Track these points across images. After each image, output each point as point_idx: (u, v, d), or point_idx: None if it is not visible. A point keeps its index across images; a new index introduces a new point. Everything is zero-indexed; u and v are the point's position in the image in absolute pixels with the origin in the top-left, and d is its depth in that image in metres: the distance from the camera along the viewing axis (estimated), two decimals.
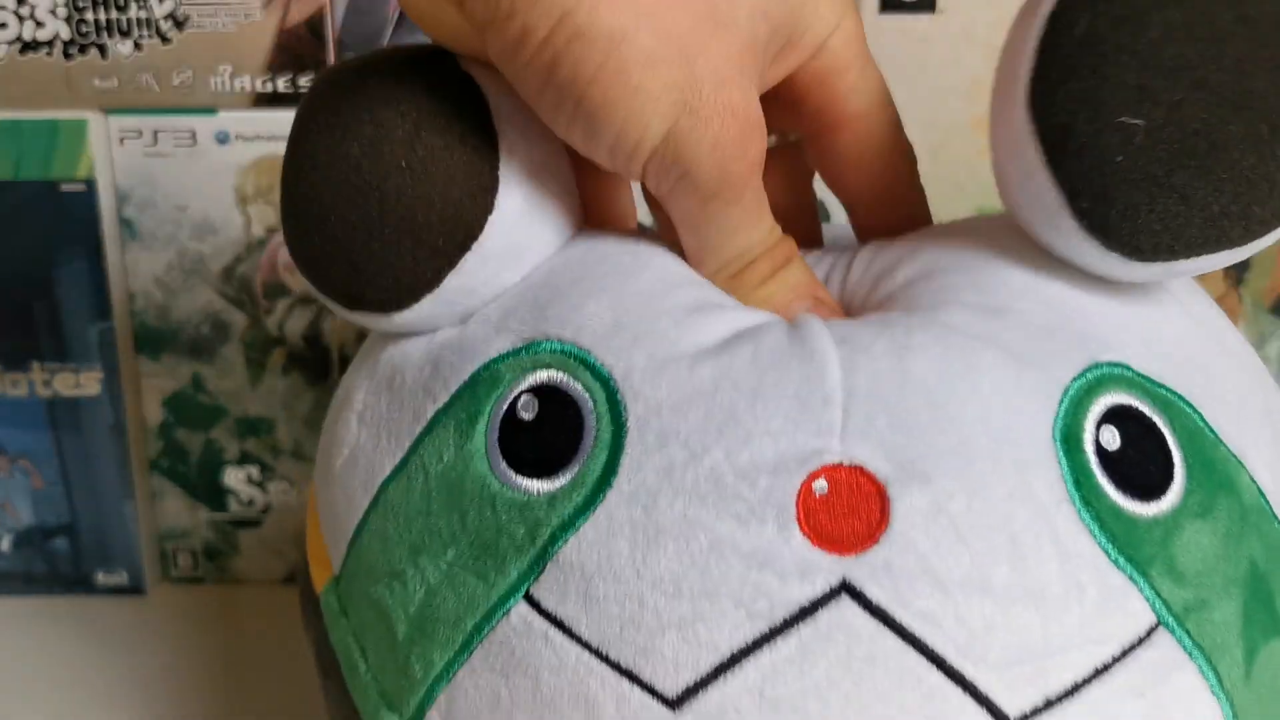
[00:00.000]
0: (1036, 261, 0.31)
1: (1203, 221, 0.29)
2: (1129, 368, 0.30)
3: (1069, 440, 0.28)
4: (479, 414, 0.30)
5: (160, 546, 0.57)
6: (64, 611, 0.55)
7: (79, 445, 0.55)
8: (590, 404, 0.29)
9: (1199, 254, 0.29)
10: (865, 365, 0.28)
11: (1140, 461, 0.29)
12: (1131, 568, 0.28)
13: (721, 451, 0.28)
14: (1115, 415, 0.29)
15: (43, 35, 0.50)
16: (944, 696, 0.27)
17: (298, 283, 0.53)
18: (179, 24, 0.50)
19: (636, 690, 0.27)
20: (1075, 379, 0.29)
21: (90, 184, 0.51)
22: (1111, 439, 0.29)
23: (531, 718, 0.29)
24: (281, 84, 0.51)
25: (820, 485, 0.27)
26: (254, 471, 0.56)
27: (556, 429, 0.29)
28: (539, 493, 0.29)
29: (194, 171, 0.52)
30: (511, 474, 0.29)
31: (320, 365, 0.54)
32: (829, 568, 0.27)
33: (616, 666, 0.27)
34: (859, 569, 0.27)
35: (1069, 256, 0.31)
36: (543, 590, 0.28)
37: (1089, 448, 0.28)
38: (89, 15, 0.50)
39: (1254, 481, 0.31)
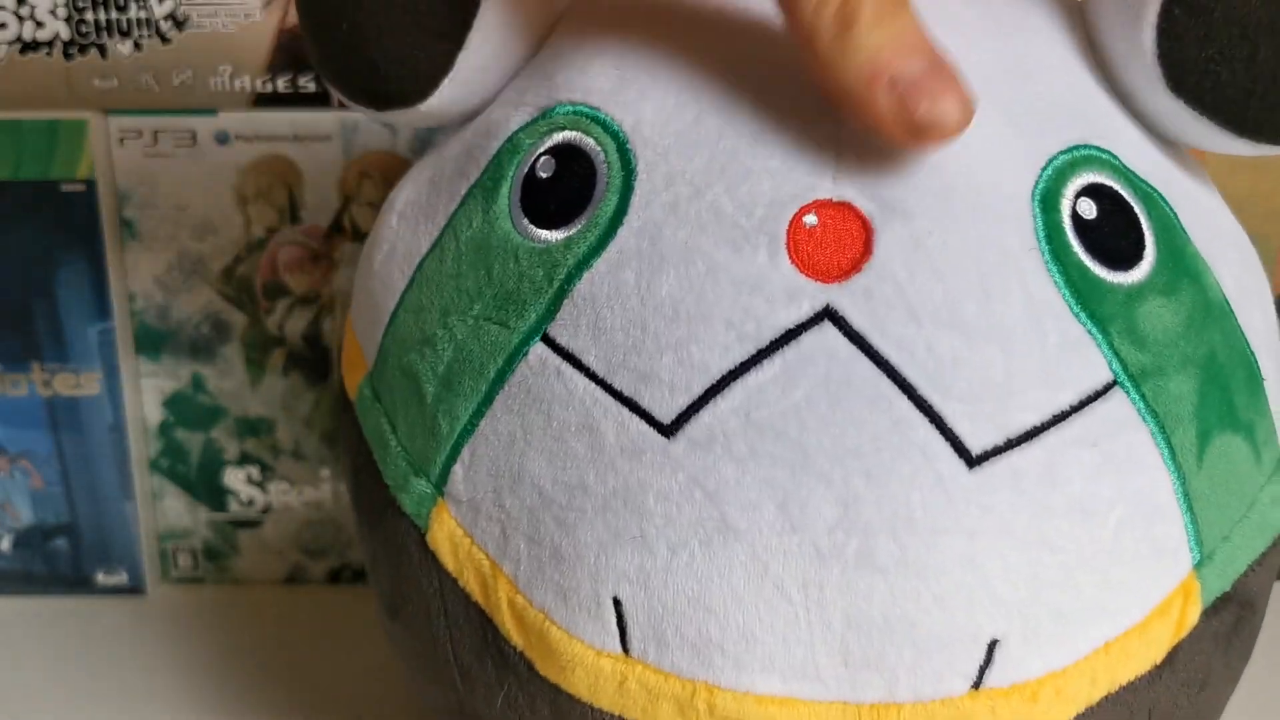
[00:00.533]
0: (1071, 43, 0.33)
1: (1240, 96, 0.31)
2: (1116, 157, 0.31)
3: (1046, 201, 0.30)
4: (502, 179, 0.32)
5: (160, 546, 0.57)
6: (64, 611, 0.55)
7: (79, 445, 0.55)
8: (602, 155, 0.31)
9: (1217, 121, 0.31)
10: None
11: (1112, 233, 0.31)
12: (1092, 323, 0.30)
13: (723, 187, 0.30)
14: (1094, 191, 0.31)
15: (43, 35, 0.50)
16: (911, 425, 0.28)
17: (298, 283, 0.53)
18: (179, 24, 0.50)
19: (635, 419, 0.29)
20: (1063, 151, 0.31)
21: (90, 184, 0.51)
22: (1088, 209, 0.30)
23: (541, 452, 0.30)
24: (281, 84, 0.51)
25: (810, 219, 0.29)
26: (254, 471, 0.56)
27: (572, 181, 0.31)
28: (557, 239, 0.31)
29: (194, 171, 0.52)
30: (532, 227, 0.31)
31: (320, 365, 0.54)
32: (814, 294, 0.29)
33: (619, 395, 0.29)
34: (841, 295, 0.29)
35: (1116, 52, 0.32)
36: (558, 328, 0.30)
37: (1065, 211, 0.30)
38: (89, 15, 0.50)
39: (1218, 285, 0.32)
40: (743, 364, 0.29)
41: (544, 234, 0.31)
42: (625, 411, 0.29)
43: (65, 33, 0.50)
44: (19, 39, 0.50)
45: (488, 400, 0.31)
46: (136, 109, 0.51)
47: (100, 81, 0.51)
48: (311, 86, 0.51)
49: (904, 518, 0.28)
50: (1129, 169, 0.32)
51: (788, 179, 0.29)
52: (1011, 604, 0.29)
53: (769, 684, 0.29)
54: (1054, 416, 0.29)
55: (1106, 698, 0.30)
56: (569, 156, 0.32)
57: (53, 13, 0.50)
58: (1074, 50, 0.33)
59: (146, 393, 0.55)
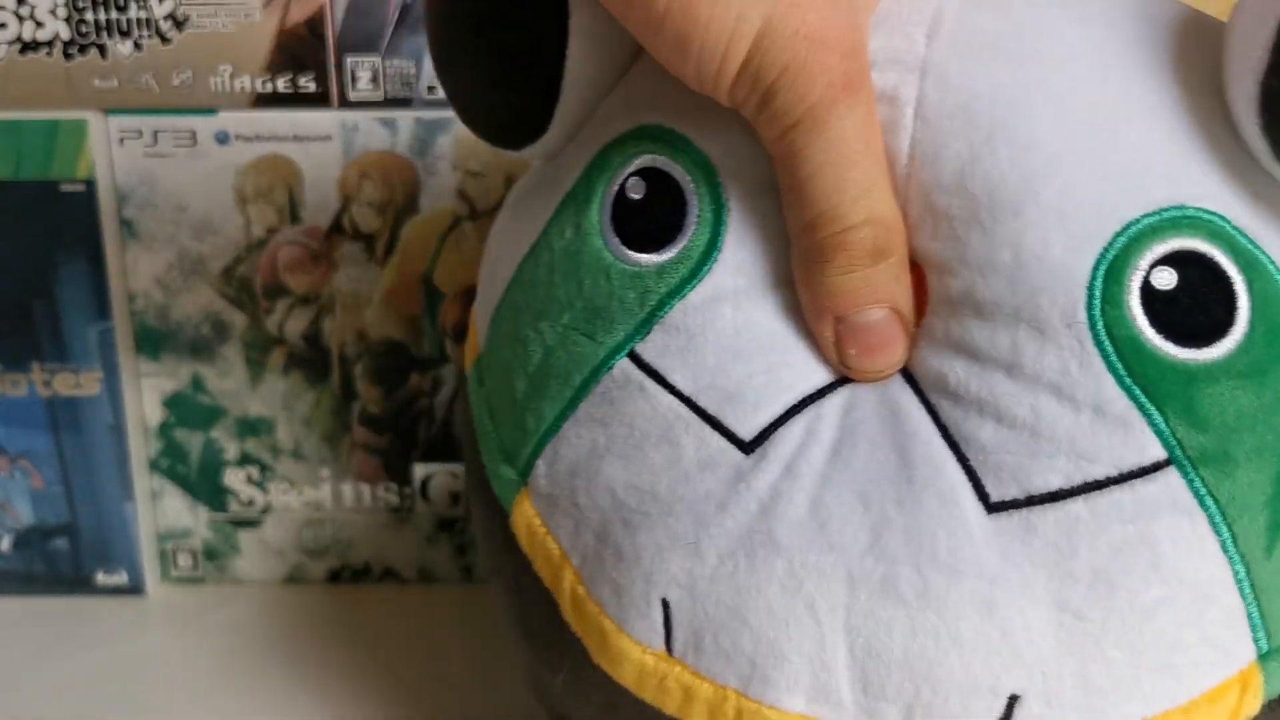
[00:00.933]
0: (1196, 79, 0.31)
1: None
2: (1224, 218, 0.30)
3: (1112, 270, 0.29)
4: (593, 195, 0.34)
5: (160, 546, 0.57)
6: (64, 611, 0.55)
7: (79, 445, 0.55)
8: (692, 185, 0.32)
9: None
10: (927, 172, 0.31)
11: (1192, 307, 0.29)
12: (1145, 398, 0.29)
13: None
14: (1180, 259, 0.29)
15: (43, 35, 0.50)
16: (941, 460, 0.30)
17: (298, 283, 0.53)
18: (179, 24, 0.50)
19: (715, 435, 0.31)
20: (1146, 215, 0.29)
21: (90, 184, 0.51)
22: (1167, 279, 0.29)
23: (621, 460, 0.32)
24: (281, 84, 0.51)
25: None
26: (254, 471, 0.56)
27: (662, 207, 0.33)
28: (648, 264, 0.32)
29: (194, 171, 0.52)
30: (624, 248, 0.33)
31: (320, 365, 0.54)
32: None
33: (702, 413, 0.31)
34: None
35: (1235, 109, 0.30)
36: (647, 347, 0.32)
37: (1133, 282, 0.29)
38: (89, 15, 0.50)
39: None
40: (820, 390, 0.31)
41: (635, 256, 0.33)
42: (707, 428, 0.31)
43: (65, 33, 0.50)
44: (19, 39, 0.50)
45: (572, 405, 0.33)
46: (136, 109, 0.51)
47: (100, 81, 0.51)
48: (311, 86, 0.51)
49: (928, 551, 0.29)
50: (1239, 230, 0.30)
51: None
52: (1032, 662, 0.29)
53: (793, 702, 0.30)
54: (1083, 485, 0.29)
55: None
56: (658, 181, 0.33)
57: (53, 13, 0.50)
58: (1197, 88, 0.31)
59: (146, 393, 0.55)
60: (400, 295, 0.53)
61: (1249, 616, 0.30)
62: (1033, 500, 0.29)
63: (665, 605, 0.31)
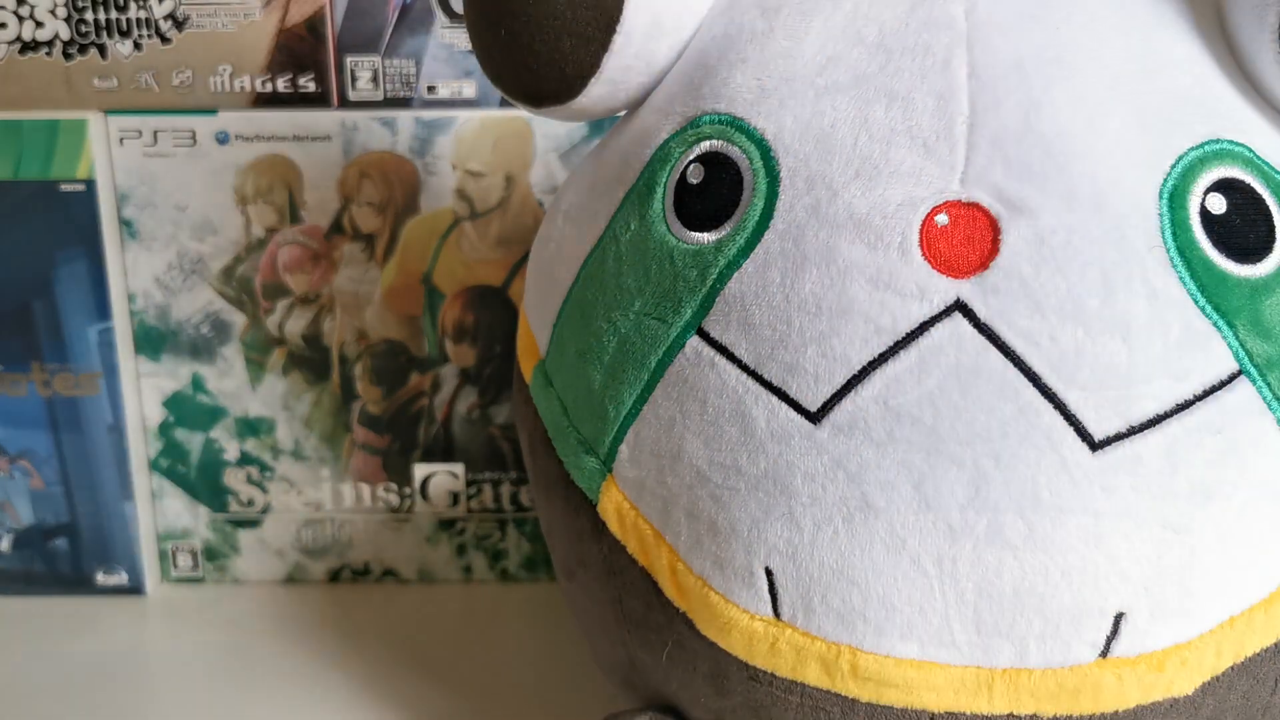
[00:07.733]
0: (1205, 35, 0.34)
1: None
2: (1251, 149, 0.33)
3: (1174, 198, 0.31)
4: (655, 185, 0.35)
5: (160, 546, 0.57)
6: (64, 611, 0.55)
7: (79, 445, 0.55)
8: (748, 162, 0.33)
9: None
10: (992, 119, 0.32)
11: (1243, 227, 0.32)
12: (1217, 315, 0.31)
13: (859, 189, 0.32)
14: (1226, 185, 0.32)
15: (43, 35, 0.50)
16: (1036, 411, 0.30)
17: (298, 283, 0.53)
18: (179, 24, 0.50)
19: (784, 406, 0.32)
20: (1193, 148, 0.32)
21: (90, 184, 0.51)
22: (1218, 204, 0.32)
23: (698, 436, 0.33)
24: (281, 84, 0.51)
25: (942, 218, 0.31)
26: (254, 471, 0.56)
27: (720, 187, 0.34)
28: (708, 241, 0.33)
29: (194, 171, 0.52)
30: (685, 230, 0.34)
31: (320, 365, 0.54)
32: (944, 289, 0.31)
33: (769, 385, 0.32)
34: (970, 290, 0.31)
35: (1246, 49, 0.33)
36: (712, 323, 0.33)
37: (1193, 207, 0.32)
38: (89, 15, 0.50)
39: None
40: (881, 355, 0.31)
41: (696, 236, 0.34)
42: (774, 400, 0.32)
43: (65, 33, 0.50)
44: (19, 39, 0.50)
45: (649, 388, 0.34)
46: (136, 109, 0.51)
47: (100, 81, 0.51)
48: (311, 86, 0.51)
49: (1031, 498, 0.30)
50: (1263, 161, 0.33)
51: (919, 181, 0.31)
52: (1137, 580, 0.31)
53: (907, 649, 0.32)
54: (1177, 405, 0.31)
55: (1233, 667, 0.32)
56: (717, 164, 0.34)
57: (53, 13, 0.50)
58: (1208, 42, 0.34)
59: (146, 393, 0.55)
60: (400, 295, 0.53)
61: None
62: (1134, 430, 0.30)
63: (768, 573, 0.32)
